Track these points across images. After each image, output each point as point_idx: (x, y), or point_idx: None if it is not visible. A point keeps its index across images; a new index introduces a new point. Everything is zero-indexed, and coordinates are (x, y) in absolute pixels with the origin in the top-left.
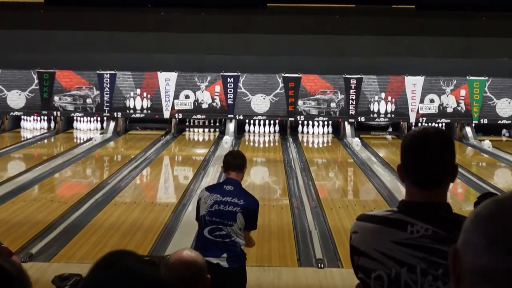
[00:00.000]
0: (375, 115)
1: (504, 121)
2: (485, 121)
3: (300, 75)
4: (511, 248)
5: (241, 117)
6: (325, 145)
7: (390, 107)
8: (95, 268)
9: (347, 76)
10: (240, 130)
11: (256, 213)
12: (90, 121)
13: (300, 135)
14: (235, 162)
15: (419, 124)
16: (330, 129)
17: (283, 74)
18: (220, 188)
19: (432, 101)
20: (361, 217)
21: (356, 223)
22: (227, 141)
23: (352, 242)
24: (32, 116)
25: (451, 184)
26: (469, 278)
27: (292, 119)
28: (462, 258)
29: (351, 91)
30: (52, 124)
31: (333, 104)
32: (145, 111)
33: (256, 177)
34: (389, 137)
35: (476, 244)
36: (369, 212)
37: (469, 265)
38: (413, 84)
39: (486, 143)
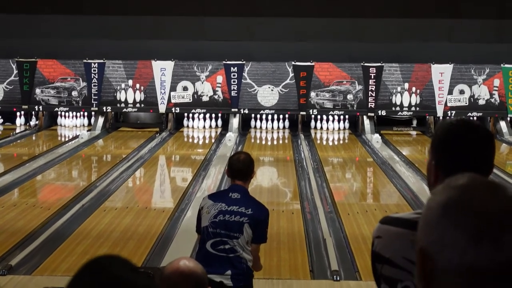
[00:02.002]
0: (398, 108)
1: None
2: None
3: (312, 64)
4: (499, 242)
5: (246, 112)
6: (341, 142)
7: (415, 99)
8: (78, 275)
9: (366, 64)
10: (245, 126)
11: (265, 224)
12: (76, 117)
13: (312, 131)
14: (242, 171)
15: (447, 118)
16: (347, 124)
17: (293, 63)
18: (225, 196)
19: (462, 92)
20: (386, 220)
21: (379, 227)
22: (231, 138)
23: (375, 248)
24: (12, 111)
25: None
26: (446, 278)
27: (304, 113)
28: (434, 257)
29: (371, 81)
30: (34, 120)
31: (350, 96)
32: (138, 105)
33: (263, 179)
34: (413, 133)
35: (456, 241)
36: (394, 214)
37: (446, 264)
38: (441, 73)
39: None
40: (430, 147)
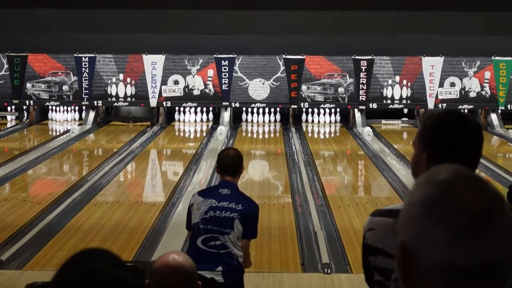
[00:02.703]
0: (389, 101)
1: None
2: None
3: (303, 57)
4: (480, 239)
5: (237, 105)
6: (332, 135)
7: (406, 92)
8: (61, 269)
9: (356, 57)
10: (236, 120)
11: (255, 220)
12: (67, 111)
13: (304, 125)
14: (231, 166)
15: (434, 109)
16: (338, 118)
17: (284, 56)
18: (215, 192)
19: (452, 84)
20: (377, 213)
21: (371, 220)
22: (222, 132)
23: (367, 241)
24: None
25: None
26: (427, 275)
27: (295, 106)
28: (415, 254)
29: (362, 74)
30: (25, 115)
31: (341, 89)
32: (129, 99)
33: (255, 173)
34: (404, 125)
35: (435, 238)
36: (385, 207)
37: (427, 261)
38: (432, 65)
39: None
40: (417, 138)
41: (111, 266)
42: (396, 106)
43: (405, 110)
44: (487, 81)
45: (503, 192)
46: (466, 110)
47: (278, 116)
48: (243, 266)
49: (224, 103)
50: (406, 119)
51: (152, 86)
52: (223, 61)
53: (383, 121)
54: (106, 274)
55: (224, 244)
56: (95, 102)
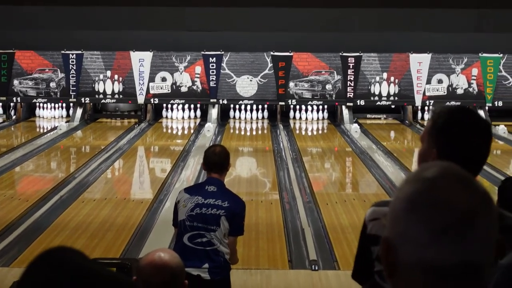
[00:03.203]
0: (376, 98)
1: None
2: (500, 103)
3: (291, 54)
4: (460, 239)
5: (225, 102)
6: (320, 132)
7: (393, 89)
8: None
9: (344, 54)
10: (224, 117)
11: (242, 217)
12: (55, 108)
13: (291, 122)
14: (218, 164)
15: (426, 108)
16: (326, 114)
17: (272, 53)
18: (201, 189)
19: (440, 81)
20: (381, 203)
21: (375, 210)
22: (210, 129)
23: (370, 231)
24: None
25: None
26: (408, 272)
27: (283, 103)
28: (397, 250)
29: (349, 71)
30: (12, 112)
31: (328, 86)
32: (116, 96)
33: (242, 169)
34: (392, 122)
35: (417, 236)
36: (387, 199)
37: (408, 257)
38: (419, 62)
39: (501, 129)
40: (427, 134)
41: (84, 260)
42: (383, 103)
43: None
44: (475, 77)
45: (490, 189)
46: None
47: (265, 113)
48: (229, 263)
49: (211, 100)
50: (391, 114)
51: (139, 83)
52: (210, 58)
53: (368, 115)
54: (80, 265)
55: (210, 241)
56: (83, 99)
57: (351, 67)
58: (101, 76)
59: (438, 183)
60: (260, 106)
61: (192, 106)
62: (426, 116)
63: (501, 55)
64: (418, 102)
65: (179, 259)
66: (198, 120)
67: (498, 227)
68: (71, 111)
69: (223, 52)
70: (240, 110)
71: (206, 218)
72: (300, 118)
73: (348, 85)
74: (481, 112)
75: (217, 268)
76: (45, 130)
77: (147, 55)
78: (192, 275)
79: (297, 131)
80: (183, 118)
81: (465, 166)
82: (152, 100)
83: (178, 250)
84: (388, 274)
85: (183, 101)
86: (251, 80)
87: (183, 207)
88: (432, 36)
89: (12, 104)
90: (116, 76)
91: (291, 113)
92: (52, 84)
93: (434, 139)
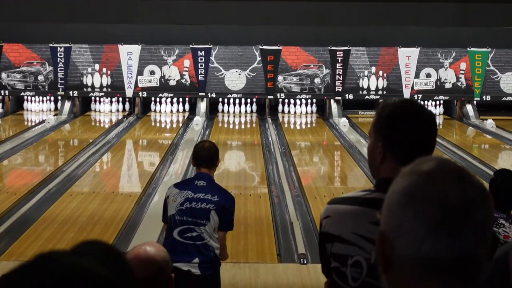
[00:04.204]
0: (365, 92)
1: (510, 98)
2: (488, 97)
3: (280, 47)
4: (457, 232)
5: (213, 96)
6: (308, 126)
7: (382, 83)
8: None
9: (333, 48)
10: (212, 110)
11: (231, 211)
12: (43, 101)
13: (280, 115)
14: (207, 158)
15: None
16: (314, 108)
17: (260, 47)
18: (191, 184)
19: (428, 75)
20: (334, 201)
21: (328, 208)
22: (198, 122)
23: (323, 228)
24: None
25: None
26: (403, 265)
27: (271, 97)
28: (392, 243)
29: (338, 65)
30: (0, 105)
31: (317, 80)
32: (104, 89)
33: (231, 163)
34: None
35: (413, 229)
36: (341, 195)
37: (404, 250)
38: (407, 56)
39: (489, 123)
40: (373, 128)
41: (79, 256)
42: (372, 97)
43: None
44: (463, 72)
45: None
46: (441, 101)
47: (254, 107)
48: (219, 258)
49: (200, 94)
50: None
51: (128, 76)
52: (199, 52)
53: (360, 112)
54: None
55: (200, 235)
56: (71, 93)
57: (339, 61)
58: (90, 70)
59: (434, 176)
60: (248, 100)
61: (180, 99)
62: None
63: (489, 49)
64: (407, 96)
65: (165, 253)
66: (186, 114)
67: (494, 221)
68: (59, 104)
69: (211, 46)
70: (228, 103)
71: (195, 212)
72: (289, 112)
73: (337, 79)
74: (469, 107)
75: (207, 262)
76: (33, 124)
77: (136, 49)
78: (182, 270)
79: (286, 125)
80: (171, 111)
81: (411, 157)
82: (140, 93)
83: (168, 245)
84: (383, 269)
85: (171, 94)
86: (239, 74)
87: (172, 202)
88: (421, 30)
89: (0, 97)
90: (104, 70)
91: (280, 107)
92: (40, 77)
93: (379, 132)
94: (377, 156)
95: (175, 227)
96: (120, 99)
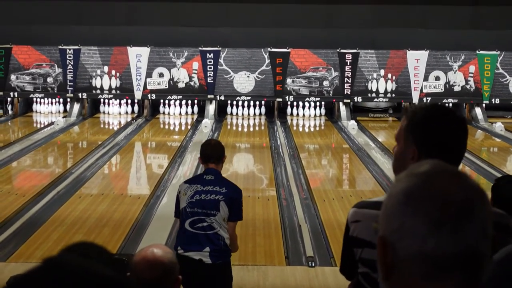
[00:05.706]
0: (374, 95)
1: None
2: (497, 101)
3: (289, 50)
4: (459, 230)
5: (222, 98)
6: (317, 128)
7: (390, 86)
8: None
9: (341, 50)
10: (221, 113)
11: (239, 203)
12: (52, 103)
13: (289, 118)
14: (214, 154)
15: (420, 103)
16: (323, 111)
17: (269, 49)
18: (200, 178)
19: (437, 78)
20: (362, 205)
21: (356, 212)
22: (207, 125)
23: (352, 233)
24: None
25: None
26: (406, 267)
27: (280, 99)
28: (395, 246)
29: (347, 68)
30: (9, 107)
31: (326, 83)
32: (113, 91)
33: (239, 166)
34: (389, 119)
35: (416, 229)
36: (368, 199)
37: (406, 251)
38: (416, 59)
39: (498, 126)
40: (404, 133)
41: (86, 258)
42: (380, 100)
43: (390, 110)
44: (472, 75)
45: (487, 186)
46: (450, 104)
47: (263, 109)
48: (229, 249)
49: (209, 96)
50: (391, 111)
51: (137, 78)
52: (208, 54)
53: (370, 115)
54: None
55: (210, 225)
56: (80, 95)
57: (348, 63)
58: (99, 72)
59: (432, 176)
60: (257, 102)
61: (189, 102)
62: None
63: (498, 52)
64: (416, 99)
65: (172, 254)
66: (195, 116)
67: (493, 221)
68: (68, 106)
69: (220, 48)
70: (237, 106)
71: (205, 203)
72: (298, 114)
73: (346, 81)
74: (478, 110)
75: (217, 251)
76: (42, 125)
77: (145, 51)
78: (194, 259)
79: (294, 128)
80: (180, 114)
81: (446, 160)
82: (149, 95)
83: (181, 235)
84: (384, 277)
85: (180, 97)
86: (248, 76)
87: (183, 196)
88: (429, 33)
89: (9, 99)
90: (113, 72)
91: (288, 110)
92: (49, 79)
93: (412, 136)
94: (410, 161)
95: (186, 219)
96: (129, 101)
